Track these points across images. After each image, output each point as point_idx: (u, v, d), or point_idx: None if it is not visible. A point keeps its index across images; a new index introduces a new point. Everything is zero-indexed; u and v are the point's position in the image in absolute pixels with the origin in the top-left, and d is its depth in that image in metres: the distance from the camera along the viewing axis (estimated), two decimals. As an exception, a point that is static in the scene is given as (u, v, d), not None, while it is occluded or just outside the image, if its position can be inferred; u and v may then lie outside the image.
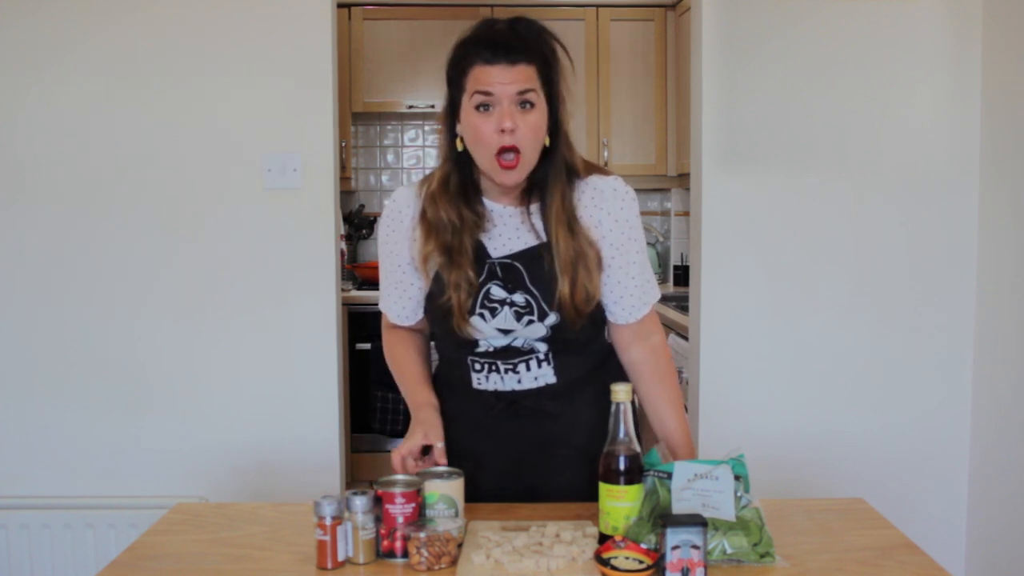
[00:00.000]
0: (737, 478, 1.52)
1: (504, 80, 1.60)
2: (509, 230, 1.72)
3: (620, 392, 1.52)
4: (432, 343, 1.93)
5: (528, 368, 1.74)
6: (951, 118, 2.77)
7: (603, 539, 1.51)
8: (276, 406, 2.78)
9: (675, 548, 1.38)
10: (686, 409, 3.09)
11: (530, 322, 1.69)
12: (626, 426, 1.51)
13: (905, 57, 2.76)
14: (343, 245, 4.21)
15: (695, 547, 1.39)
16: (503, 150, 1.62)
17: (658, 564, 1.41)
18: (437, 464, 1.67)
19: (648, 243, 4.87)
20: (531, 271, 1.68)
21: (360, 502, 1.49)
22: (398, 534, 1.50)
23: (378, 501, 1.51)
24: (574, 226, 1.69)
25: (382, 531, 1.51)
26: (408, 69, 4.46)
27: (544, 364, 1.74)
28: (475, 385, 1.77)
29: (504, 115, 1.61)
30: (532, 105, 1.63)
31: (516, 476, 1.71)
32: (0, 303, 2.76)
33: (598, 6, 4.51)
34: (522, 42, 1.63)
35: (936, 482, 2.84)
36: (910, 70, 2.76)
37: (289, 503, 1.81)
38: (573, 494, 1.76)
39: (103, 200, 2.74)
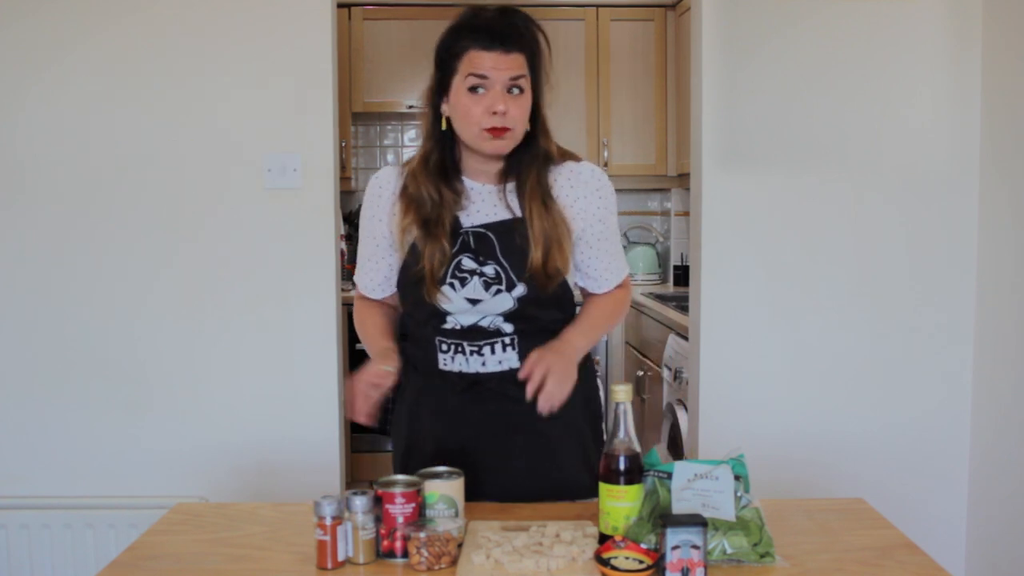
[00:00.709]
0: (737, 478, 1.52)
1: (499, 66, 1.71)
2: (486, 206, 1.81)
3: (620, 392, 1.52)
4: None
5: (493, 351, 1.80)
6: (951, 118, 2.77)
7: (603, 539, 1.51)
8: (276, 406, 2.78)
9: (675, 548, 1.39)
10: (685, 409, 3.11)
11: (498, 291, 1.76)
12: (626, 426, 1.51)
13: (905, 57, 2.76)
14: (343, 245, 4.21)
15: (695, 547, 1.39)
16: (492, 127, 1.72)
17: (658, 564, 1.41)
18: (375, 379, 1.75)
19: (648, 243, 4.90)
20: (503, 242, 1.77)
21: (360, 502, 1.49)
22: (398, 534, 1.50)
23: (378, 501, 1.51)
24: (548, 203, 1.79)
25: (382, 531, 1.51)
26: (408, 69, 4.46)
27: (509, 348, 1.80)
28: (440, 366, 1.83)
29: (496, 99, 1.71)
30: (521, 91, 1.74)
31: (476, 459, 1.74)
32: (0, 303, 2.76)
33: (598, 6, 4.51)
34: (516, 30, 1.74)
35: (936, 482, 2.84)
36: (910, 70, 2.76)
37: (289, 503, 1.81)
38: (530, 479, 1.82)
39: (103, 200, 2.74)
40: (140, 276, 2.75)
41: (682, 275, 4.48)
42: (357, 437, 4.29)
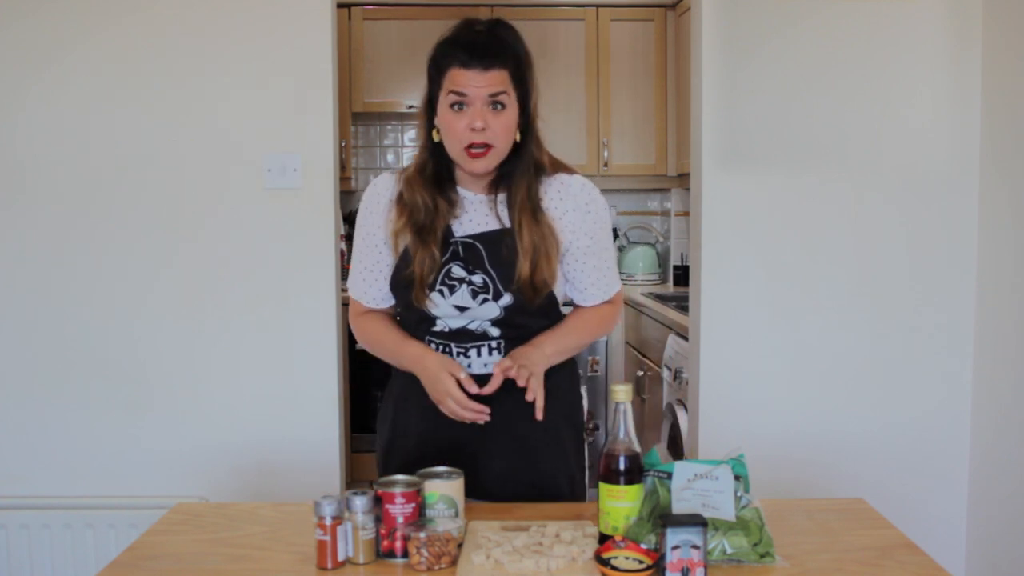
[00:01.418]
0: (737, 478, 1.52)
1: (478, 84, 1.73)
2: (478, 216, 1.83)
3: (620, 392, 1.52)
4: None
5: (479, 354, 1.82)
6: (951, 118, 2.77)
7: (603, 539, 1.51)
8: (276, 406, 2.78)
9: (675, 548, 1.39)
10: (685, 409, 3.11)
11: (484, 300, 1.79)
12: (626, 426, 1.51)
13: (905, 57, 2.76)
14: (343, 245, 4.21)
15: (695, 547, 1.39)
16: (473, 145, 1.75)
17: (658, 564, 1.41)
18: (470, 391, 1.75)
19: (648, 243, 4.90)
20: (491, 253, 1.79)
21: (360, 502, 1.49)
22: (398, 534, 1.50)
23: (378, 501, 1.51)
24: (537, 215, 1.81)
25: (382, 531, 1.51)
26: (408, 69, 4.46)
27: (495, 352, 1.82)
28: None
29: (476, 115, 1.73)
30: (503, 106, 1.76)
31: (456, 458, 1.75)
32: (0, 303, 2.76)
33: (598, 6, 4.51)
34: (498, 47, 1.75)
35: (936, 482, 2.84)
36: (910, 70, 2.76)
37: (289, 503, 1.81)
38: (509, 480, 1.85)
39: (103, 200, 2.74)
40: (140, 276, 2.75)
41: (682, 275, 4.48)
42: (357, 437, 4.29)
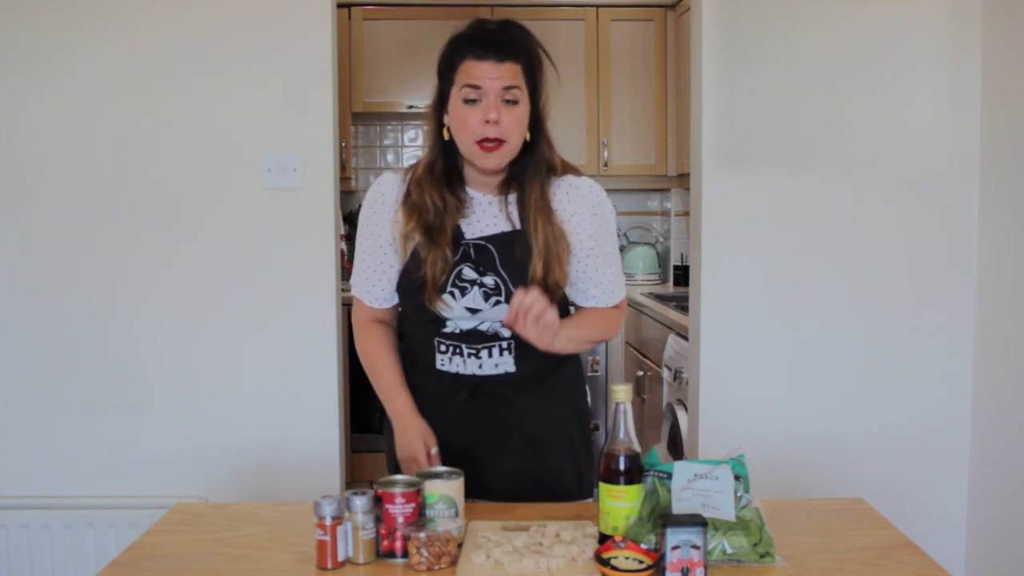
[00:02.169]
0: (737, 478, 1.52)
1: (492, 75, 1.71)
2: (487, 216, 1.81)
3: (620, 392, 1.52)
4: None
5: (490, 355, 1.81)
6: (951, 118, 2.77)
7: (603, 539, 1.51)
8: (276, 406, 2.78)
9: (675, 548, 1.39)
10: (685, 409, 3.11)
11: (497, 303, 1.77)
12: (626, 426, 1.51)
13: (905, 57, 2.76)
14: (343, 245, 4.21)
15: (695, 547, 1.39)
16: (486, 139, 1.72)
17: (658, 564, 1.41)
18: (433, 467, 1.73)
19: (648, 243, 4.90)
20: (503, 255, 1.77)
21: (360, 502, 1.49)
22: (398, 534, 1.50)
23: (378, 501, 1.51)
24: (550, 216, 1.79)
25: (382, 531, 1.51)
26: (408, 69, 4.46)
27: (506, 353, 1.81)
28: (438, 366, 1.84)
29: (490, 107, 1.72)
30: (516, 102, 1.74)
31: (466, 459, 1.75)
32: (0, 303, 2.76)
33: (598, 6, 4.51)
34: (511, 42, 1.74)
35: (936, 482, 2.84)
36: (910, 70, 2.76)
37: (289, 503, 1.81)
38: (520, 481, 1.84)
39: (103, 200, 2.74)
40: (140, 276, 2.75)
41: (682, 275, 4.48)
42: (357, 437, 4.29)
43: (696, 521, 1.40)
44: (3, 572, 2.72)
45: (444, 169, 1.81)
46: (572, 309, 1.93)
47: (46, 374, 2.76)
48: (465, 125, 1.73)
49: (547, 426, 1.84)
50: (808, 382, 2.81)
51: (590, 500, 1.88)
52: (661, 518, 1.43)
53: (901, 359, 2.81)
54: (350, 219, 4.78)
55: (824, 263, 2.79)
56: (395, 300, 1.90)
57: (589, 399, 2.05)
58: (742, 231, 2.77)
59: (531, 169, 1.80)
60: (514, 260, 1.77)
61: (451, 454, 1.78)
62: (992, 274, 2.74)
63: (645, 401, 3.97)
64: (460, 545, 1.52)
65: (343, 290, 2.87)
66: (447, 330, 1.81)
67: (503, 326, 1.76)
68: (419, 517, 1.53)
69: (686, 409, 3.10)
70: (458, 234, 1.78)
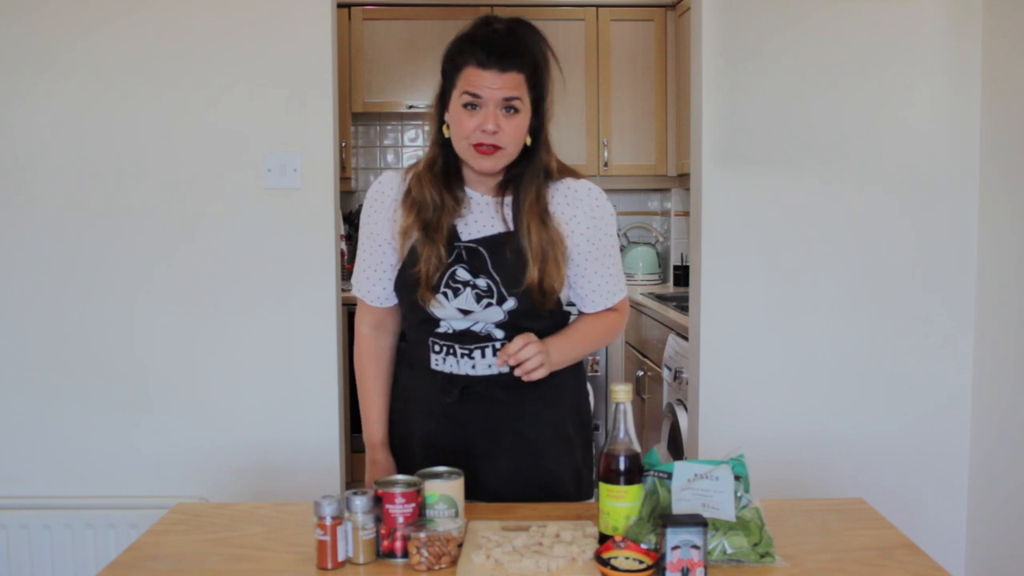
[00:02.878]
0: (737, 478, 1.52)
1: (493, 85, 1.70)
2: (484, 217, 1.81)
3: (620, 392, 1.52)
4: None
5: (483, 355, 1.81)
6: (951, 118, 2.77)
7: (603, 539, 1.51)
8: (276, 406, 2.78)
9: (675, 548, 1.38)
10: (685, 409, 3.11)
11: (488, 304, 1.77)
12: (626, 426, 1.51)
13: (905, 57, 2.76)
14: (343, 245, 4.21)
15: (695, 547, 1.39)
16: (481, 143, 1.72)
17: (658, 564, 1.41)
18: None
19: (648, 243, 4.90)
20: (494, 257, 1.77)
21: (360, 502, 1.49)
22: (398, 534, 1.50)
23: (378, 501, 1.51)
24: (546, 219, 1.79)
25: (382, 531, 1.51)
26: (408, 69, 4.46)
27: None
28: (432, 366, 1.85)
29: (488, 117, 1.71)
30: (516, 111, 1.73)
31: (462, 460, 1.75)
32: (1, 303, 2.75)
33: (598, 6, 4.51)
34: (517, 49, 1.71)
35: (936, 482, 2.84)
36: (910, 70, 2.76)
37: (289, 503, 1.81)
38: (516, 481, 1.84)
39: (103, 200, 2.74)
40: (141, 276, 2.75)
41: (682, 275, 4.48)
42: (357, 437, 4.29)
43: (696, 521, 1.40)
44: (3, 572, 2.72)
45: (444, 166, 1.81)
46: (572, 313, 1.93)
47: (46, 374, 2.76)
48: (462, 129, 1.73)
49: (543, 427, 1.84)
50: (808, 382, 2.81)
51: (590, 500, 1.88)
52: (661, 518, 1.43)
53: (901, 358, 2.81)
54: (350, 219, 4.78)
55: (824, 263, 2.79)
56: (395, 300, 1.90)
57: (592, 400, 2.04)
58: (742, 231, 2.77)
59: (528, 173, 1.79)
60: (505, 262, 1.77)
61: (447, 455, 1.77)
62: (992, 274, 2.74)
63: (645, 401, 3.97)
64: (460, 545, 1.52)
65: (343, 290, 2.87)
66: (440, 330, 1.81)
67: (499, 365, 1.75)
68: (419, 517, 1.53)
69: (686, 409, 3.10)
70: (454, 235, 1.79)
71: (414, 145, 4.99)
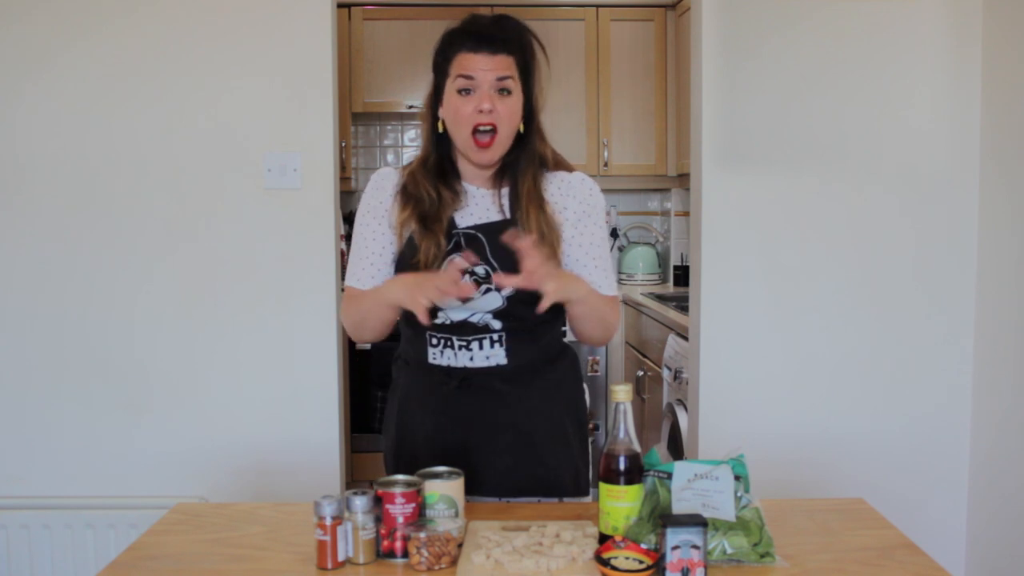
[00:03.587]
0: (737, 478, 1.52)
1: (485, 67, 1.75)
2: (480, 209, 1.84)
3: (620, 392, 1.52)
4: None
5: (481, 347, 1.82)
6: (951, 118, 2.77)
7: (603, 539, 1.51)
8: (276, 406, 2.78)
9: (675, 548, 1.38)
10: (685, 409, 3.11)
11: (488, 290, 1.78)
12: (626, 426, 1.51)
13: (905, 57, 2.76)
14: (343, 245, 4.21)
15: (695, 547, 1.39)
16: (480, 130, 1.76)
17: (658, 564, 1.41)
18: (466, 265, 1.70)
19: (648, 243, 4.89)
20: (492, 244, 1.79)
21: (360, 502, 1.49)
22: (398, 534, 1.50)
23: (378, 501, 1.51)
24: (543, 205, 1.82)
25: (382, 531, 1.51)
26: (408, 69, 4.46)
27: (497, 345, 1.82)
28: (430, 360, 1.85)
29: (483, 98, 1.75)
30: (509, 92, 1.77)
31: (461, 454, 1.76)
32: (1, 304, 2.76)
33: (598, 6, 4.51)
34: (504, 35, 1.77)
35: (936, 482, 2.84)
36: (910, 70, 2.76)
37: (289, 503, 1.81)
38: (514, 476, 1.84)
39: (102, 200, 2.74)
40: (141, 276, 2.75)
41: (682, 275, 4.48)
42: (357, 437, 4.29)
43: (696, 521, 1.40)
44: (3, 572, 2.72)
45: (437, 162, 1.84)
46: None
47: (46, 374, 2.76)
48: (459, 115, 1.76)
49: (541, 420, 1.84)
50: (808, 382, 2.81)
51: (590, 500, 1.89)
52: (661, 518, 1.43)
53: (901, 358, 2.81)
54: (350, 219, 4.78)
55: (824, 263, 2.79)
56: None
57: (588, 397, 2.05)
58: (742, 231, 2.77)
59: (524, 161, 1.83)
60: (504, 249, 1.76)
61: (447, 452, 1.78)
62: (992, 274, 2.74)
63: (645, 401, 3.97)
64: (460, 545, 1.52)
65: (343, 290, 2.87)
66: (438, 321, 1.82)
67: (504, 288, 1.70)
68: (419, 517, 1.53)
69: (686, 409, 3.10)
70: (451, 225, 1.81)
71: (414, 145, 4.99)
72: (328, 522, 1.47)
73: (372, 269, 1.88)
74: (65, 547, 2.70)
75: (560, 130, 4.39)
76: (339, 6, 3.40)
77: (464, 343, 1.82)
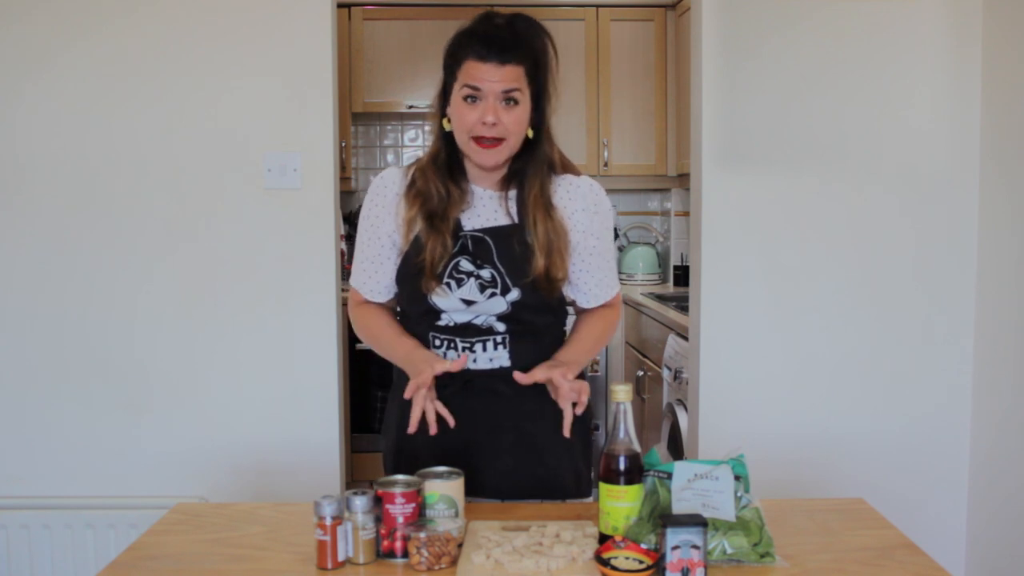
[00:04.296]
0: (737, 478, 1.52)
1: (492, 78, 1.72)
2: (487, 211, 1.83)
3: (620, 392, 1.52)
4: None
5: (484, 348, 1.82)
6: (951, 118, 2.77)
7: (603, 539, 1.51)
8: (276, 406, 2.78)
9: (675, 548, 1.39)
10: (685, 409, 3.11)
11: (492, 294, 1.78)
12: (626, 426, 1.51)
13: (905, 57, 2.76)
14: (343, 245, 4.21)
15: (695, 547, 1.39)
16: (481, 136, 1.74)
17: (658, 564, 1.41)
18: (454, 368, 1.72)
19: (648, 243, 4.90)
20: (500, 248, 1.78)
21: (360, 502, 1.49)
22: (398, 534, 1.50)
23: (378, 501, 1.51)
24: (551, 211, 1.81)
25: (382, 531, 1.51)
26: (408, 69, 4.46)
27: (500, 347, 1.82)
28: None
29: (488, 109, 1.73)
30: (516, 102, 1.75)
31: (462, 456, 1.75)
32: (1, 304, 2.76)
33: (598, 6, 4.51)
34: (516, 42, 1.74)
35: (936, 482, 2.84)
36: (910, 70, 2.76)
37: (289, 503, 1.81)
38: (516, 477, 1.84)
39: (102, 200, 2.74)
40: (141, 276, 2.75)
41: (682, 275, 4.48)
42: (357, 437, 4.29)
43: (696, 521, 1.40)
44: (3, 572, 2.72)
45: (447, 159, 1.83)
46: (570, 311, 1.93)
47: (46, 374, 2.76)
48: (463, 122, 1.75)
49: (543, 422, 1.84)
50: (808, 382, 2.81)
51: (590, 500, 1.89)
52: (661, 518, 1.43)
53: (901, 358, 2.81)
54: (350, 219, 4.78)
55: (824, 263, 2.79)
56: (391, 294, 1.90)
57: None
58: (742, 231, 2.77)
59: (532, 166, 1.81)
60: (511, 254, 1.78)
61: (447, 450, 1.78)
62: (992, 274, 2.74)
63: (645, 401, 3.97)
64: (460, 545, 1.52)
65: (343, 290, 2.87)
66: (442, 323, 1.82)
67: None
68: (419, 517, 1.53)
69: (686, 409, 3.10)
70: (458, 226, 1.80)
71: (414, 145, 4.99)
72: (328, 522, 1.47)
73: (369, 272, 1.89)
74: (65, 547, 2.70)
75: (560, 130, 4.33)
76: (339, 6, 3.40)
77: (468, 345, 1.82)
